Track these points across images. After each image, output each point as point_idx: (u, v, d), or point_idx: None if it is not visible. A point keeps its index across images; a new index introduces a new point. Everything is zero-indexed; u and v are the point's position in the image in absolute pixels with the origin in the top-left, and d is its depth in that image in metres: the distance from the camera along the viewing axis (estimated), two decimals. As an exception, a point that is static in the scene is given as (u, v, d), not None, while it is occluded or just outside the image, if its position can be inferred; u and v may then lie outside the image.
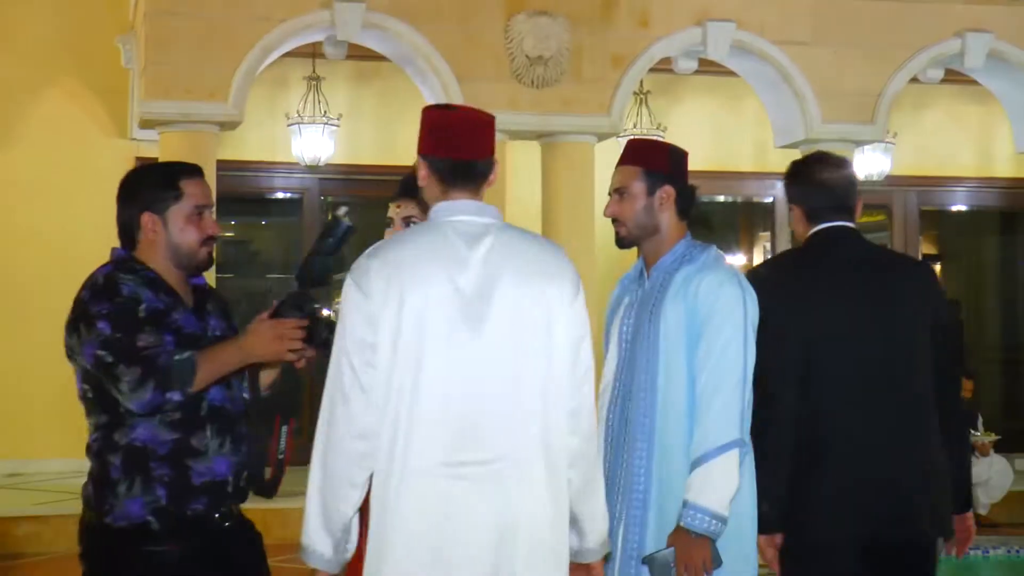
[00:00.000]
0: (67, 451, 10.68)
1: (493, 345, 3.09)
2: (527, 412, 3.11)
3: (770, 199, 13.28)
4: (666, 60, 10.82)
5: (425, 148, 3.24)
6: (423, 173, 3.24)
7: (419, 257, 3.11)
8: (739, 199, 13.75)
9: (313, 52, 11.01)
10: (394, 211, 4.07)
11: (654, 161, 3.77)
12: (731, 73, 11.23)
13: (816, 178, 4.02)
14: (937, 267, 16.15)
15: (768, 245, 13.77)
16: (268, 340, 3.42)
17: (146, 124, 9.78)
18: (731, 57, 10.68)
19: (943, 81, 11.97)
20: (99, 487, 3.46)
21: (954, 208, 14.50)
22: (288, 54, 10.22)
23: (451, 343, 3.06)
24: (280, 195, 12.87)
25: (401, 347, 3.04)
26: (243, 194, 12.09)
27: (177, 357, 3.37)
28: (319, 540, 3.11)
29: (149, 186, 3.58)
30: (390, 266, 3.09)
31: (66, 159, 11.56)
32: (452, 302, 3.07)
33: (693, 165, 3.88)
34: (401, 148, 10.57)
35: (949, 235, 15.85)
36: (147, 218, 3.54)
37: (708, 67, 11.28)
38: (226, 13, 9.54)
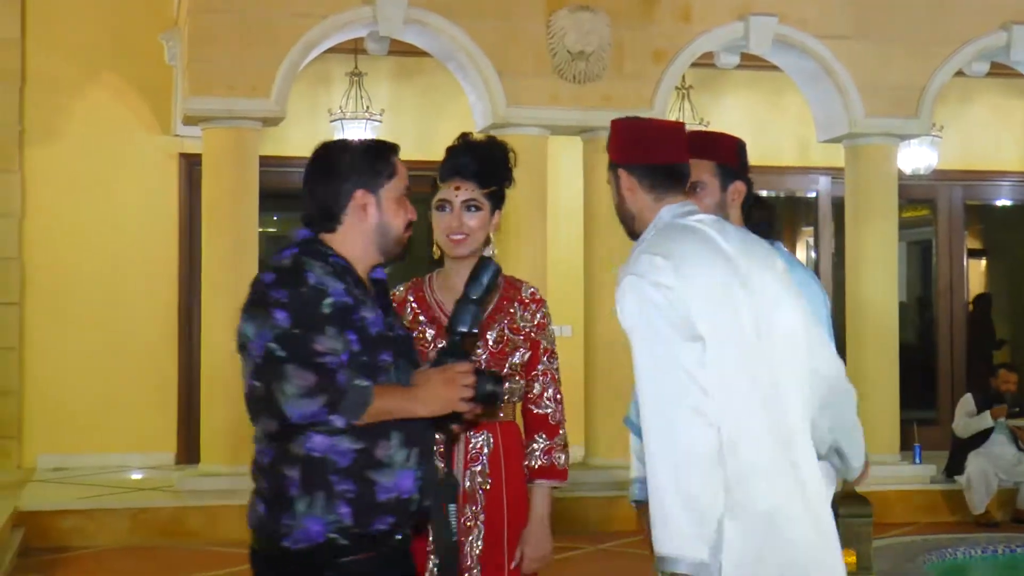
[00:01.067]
0: (108, 446, 10.78)
1: (772, 329, 3.10)
2: (804, 386, 3.14)
3: (813, 194, 13.19)
4: (708, 55, 10.78)
5: (630, 158, 3.20)
6: (627, 184, 3.20)
7: (698, 252, 3.06)
8: (782, 194, 13.66)
9: (355, 48, 11.04)
10: (451, 193, 3.73)
11: (725, 155, 3.66)
12: (773, 67, 11.17)
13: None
14: (982, 262, 16.04)
15: (811, 240, 13.69)
16: (438, 385, 3.08)
17: (189, 120, 9.84)
18: (773, 51, 10.62)
19: (989, 75, 11.86)
20: (273, 507, 3.05)
21: (999, 203, 14.38)
22: (330, 50, 10.26)
23: (750, 329, 3.04)
24: (322, 191, 12.86)
25: (711, 338, 2.97)
26: (286, 190, 11.99)
27: (356, 382, 2.98)
28: (691, 544, 2.88)
29: (363, 160, 3.18)
30: (677, 260, 3.01)
31: (109, 155, 11.62)
32: (737, 293, 3.05)
33: (735, 160, 3.86)
34: (442, 143, 10.51)
35: (994, 229, 15.72)
36: (361, 195, 3.15)
37: (750, 61, 11.23)
38: (269, 10, 9.59)
